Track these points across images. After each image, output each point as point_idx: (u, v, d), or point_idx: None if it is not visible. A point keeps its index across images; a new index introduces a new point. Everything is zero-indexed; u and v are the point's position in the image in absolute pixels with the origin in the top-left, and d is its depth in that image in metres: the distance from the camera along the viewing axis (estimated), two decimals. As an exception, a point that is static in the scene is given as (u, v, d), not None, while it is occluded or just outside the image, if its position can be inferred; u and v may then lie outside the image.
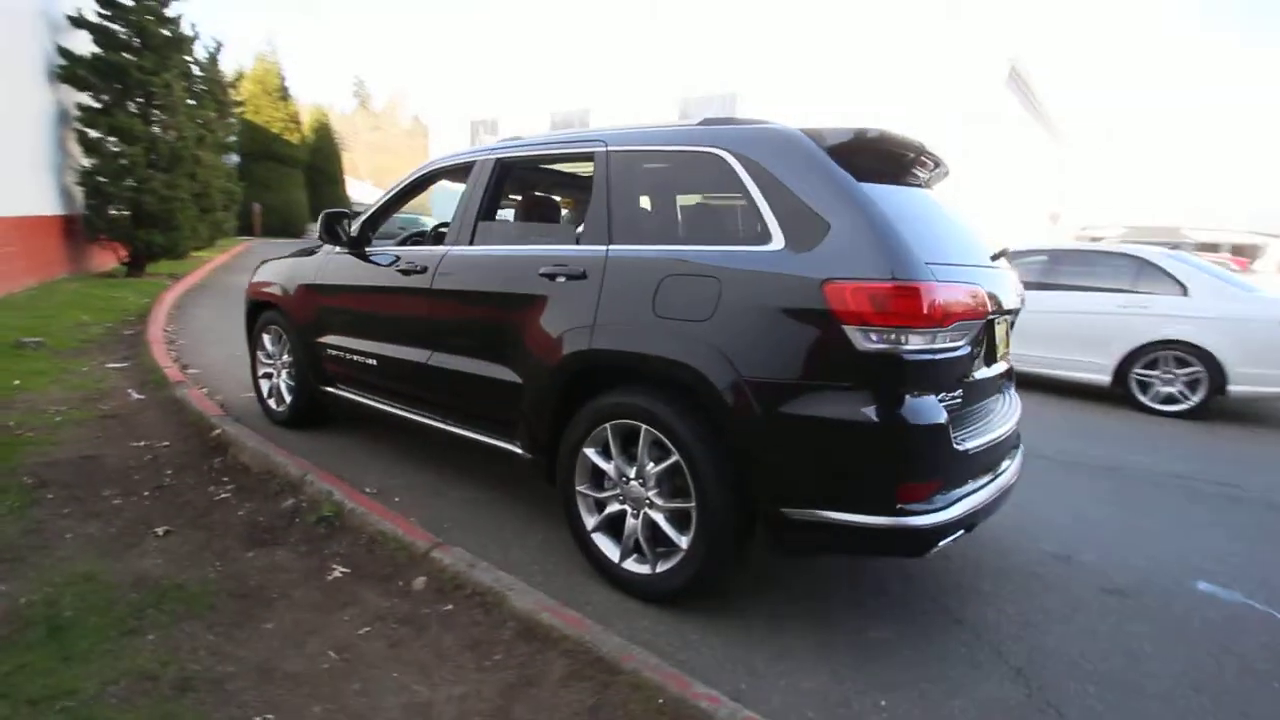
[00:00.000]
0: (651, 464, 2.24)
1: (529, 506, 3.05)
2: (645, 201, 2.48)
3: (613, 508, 2.38)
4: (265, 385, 4.20)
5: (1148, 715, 1.90)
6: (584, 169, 2.97)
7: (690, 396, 2.13)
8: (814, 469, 1.95)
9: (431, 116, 31.55)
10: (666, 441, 2.17)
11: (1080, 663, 2.12)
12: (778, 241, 2.02)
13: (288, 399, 3.99)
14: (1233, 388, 5.21)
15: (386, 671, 1.84)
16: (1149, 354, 5.50)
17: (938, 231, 2.21)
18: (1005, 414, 2.43)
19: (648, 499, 2.28)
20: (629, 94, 20.82)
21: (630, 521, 2.33)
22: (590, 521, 2.44)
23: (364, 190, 48.10)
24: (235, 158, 22.36)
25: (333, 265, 3.58)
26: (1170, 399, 5.49)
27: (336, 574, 2.35)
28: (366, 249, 3.46)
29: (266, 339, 4.13)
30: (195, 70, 12.96)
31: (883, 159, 2.28)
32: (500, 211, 3.35)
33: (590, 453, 2.40)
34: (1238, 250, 20.72)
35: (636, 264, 2.28)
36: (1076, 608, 2.46)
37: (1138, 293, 5.59)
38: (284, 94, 28.06)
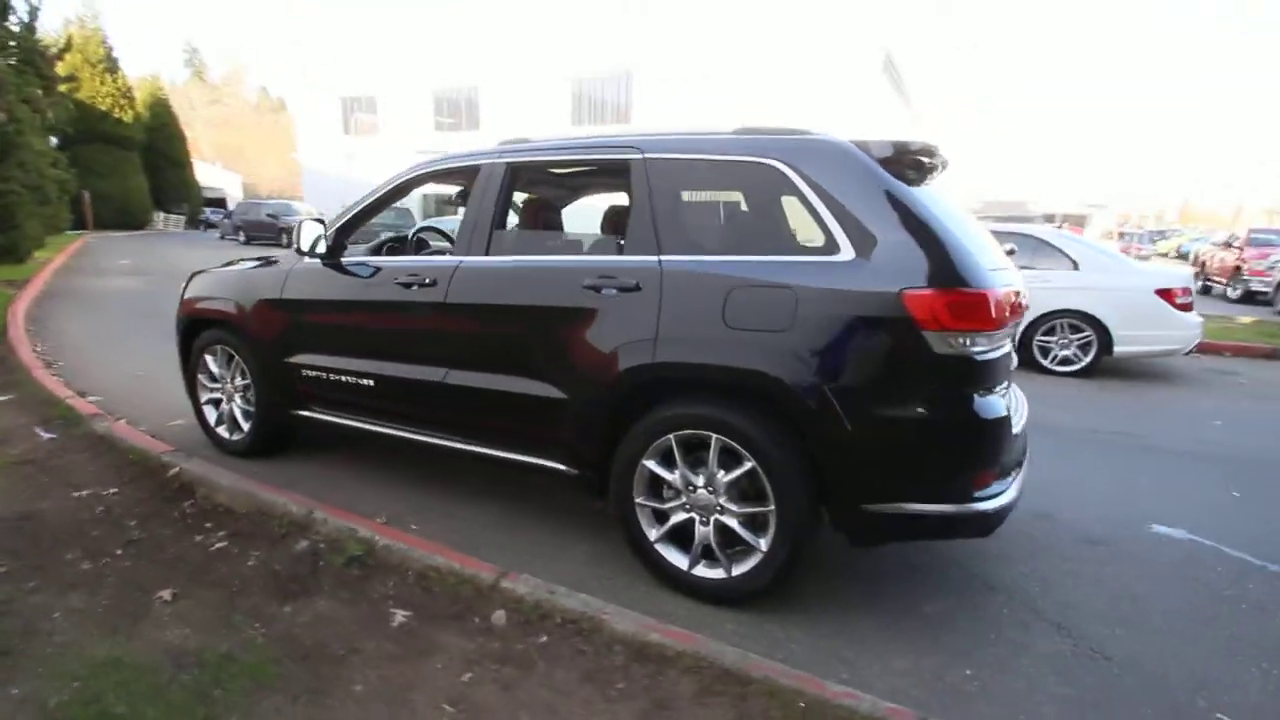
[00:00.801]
0: (722, 472, 2.28)
1: (554, 520, 2.99)
2: (691, 211, 2.48)
3: (678, 517, 2.40)
4: (211, 412, 3.77)
5: (1166, 646, 2.23)
6: (601, 174, 2.91)
7: (767, 405, 2.18)
8: (897, 466, 2.08)
9: (287, 91, 28.79)
10: (740, 449, 2.21)
11: (1100, 610, 2.43)
12: (847, 251, 2.11)
13: (245, 426, 3.61)
14: (1117, 348, 6.05)
15: (513, 717, 1.77)
16: (1048, 322, 6.24)
17: (970, 234, 2.39)
18: (1020, 401, 2.69)
19: (718, 505, 2.32)
20: (520, 72, 20.16)
21: (700, 529, 2.36)
22: (653, 533, 2.44)
23: (214, 174, 43.34)
24: (54, 140, 19.35)
25: (304, 278, 3.25)
26: (1066, 360, 6.27)
27: (399, 619, 2.20)
28: (343, 259, 3.18)
29: (210, 361, 3.69)
30: (10, 42, 11.05)
31: (914, 166, 2.42)
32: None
33: (650, 464, 2.40)
34: (1069, 220, 23.78)
35: (698, 275, 2.28)
36: (1073, 560, 2.80)
37: (1036, 269, 6.29)
38: (111, 65, 24.62)
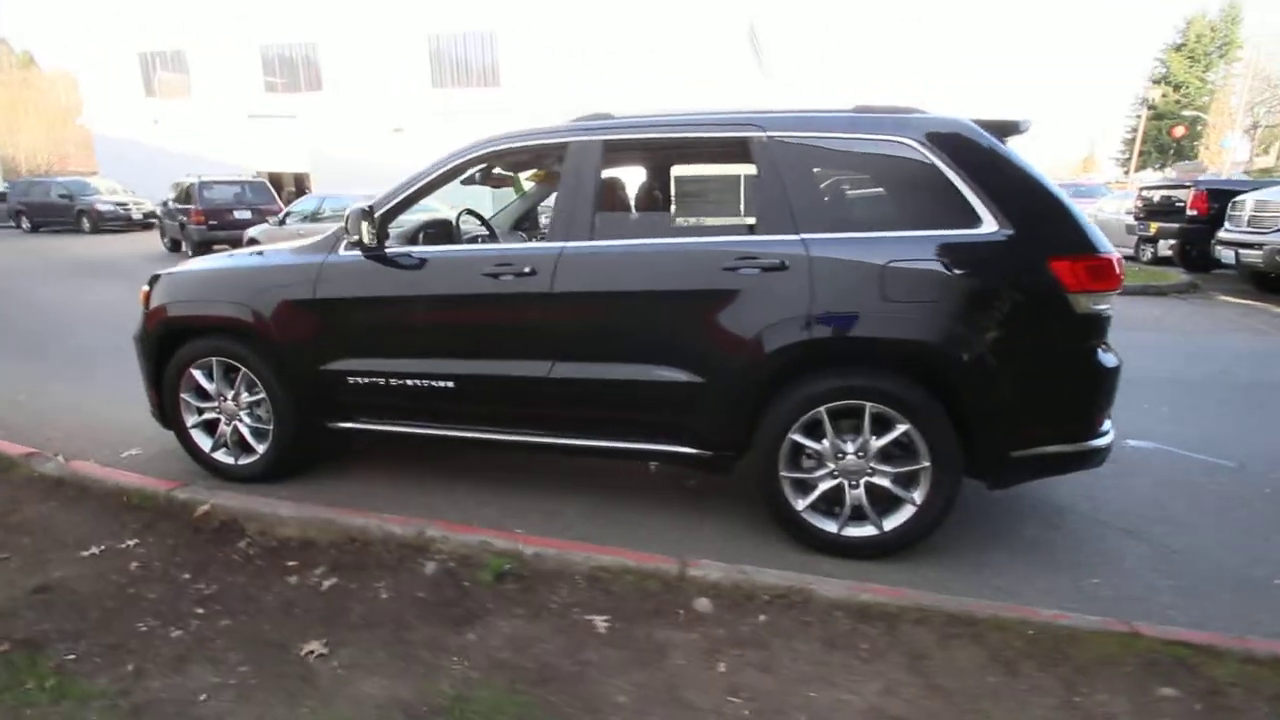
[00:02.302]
0: (874, 437, 2.43)
1: (651, 503, 3.00)
2: (825, 189, 2.54)
3: (825, 485, 2.52)
4: (203, 437, 3.24)
5: (1207, 535, 2.75)
6: (711, 152, 2.82)
7: (923, 372, 2.35)
8: (1042, 416, 2.36)
9: (53, 43, 23.93)
10: (894, 414, 2.37)
11: (1144, 514, 2.93)
12: (990, 224, 2.30)
13: (259, 447, 3.16)
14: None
15: (799, 695, 1.81)
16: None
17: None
18: None
19: (868, 468, 2.47)
20: (368, 26, 18.32)
21: (852, 492, 2.50)
22: (800, 502, 2.55)
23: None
24: None
25: (344, 274, 2.87)
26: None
27: (601, 625, 2.11)
28: (388, 250, 2.86)
29: (199, 375, 3.15)
30: None
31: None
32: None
33: (797, 437, 2.48)
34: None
35: (849, 253, 2.37)
36: (1097, 477, 3.32)
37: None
38: None
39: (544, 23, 17.48)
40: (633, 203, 3.08)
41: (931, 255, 2.31)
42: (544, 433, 2.78)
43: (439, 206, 4.66)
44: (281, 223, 10.63)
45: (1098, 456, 2.46)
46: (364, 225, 2.71)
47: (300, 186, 19.55)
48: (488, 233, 3.67)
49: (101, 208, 18.73)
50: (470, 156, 2.83)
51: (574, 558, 2.38)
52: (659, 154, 3.39)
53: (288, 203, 13.36)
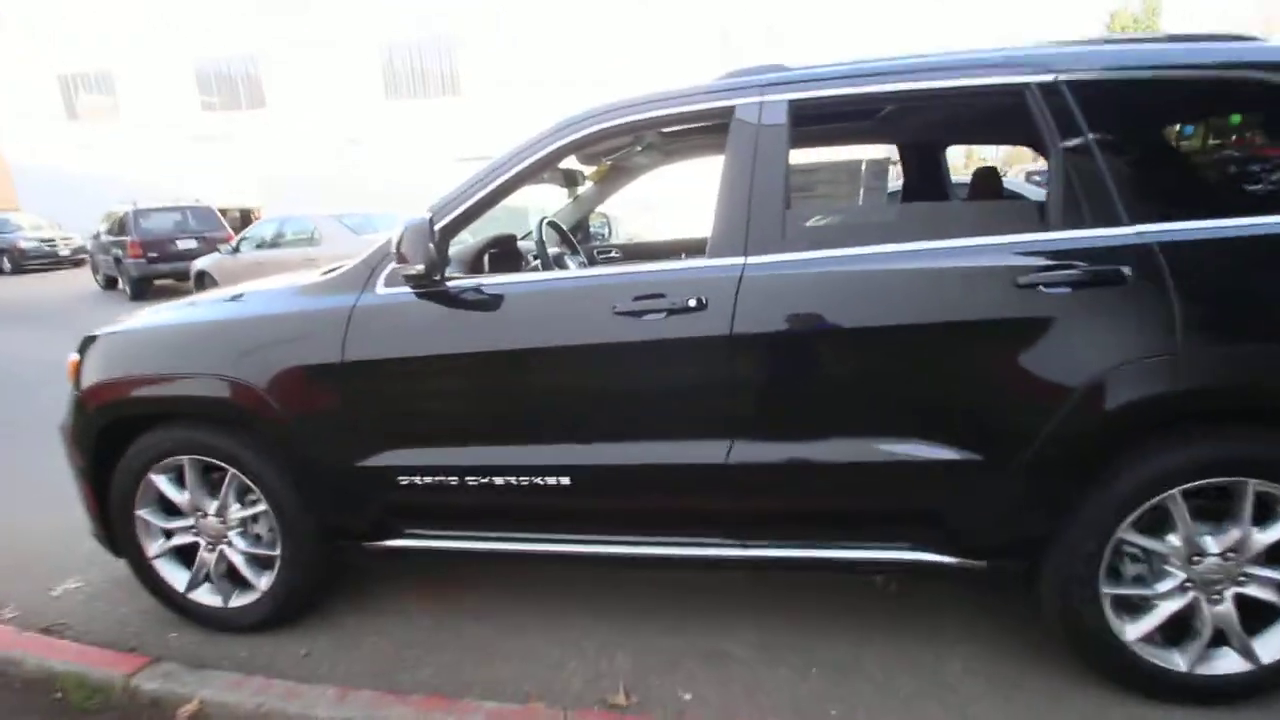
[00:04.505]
0: (1258, 529, 1.58)
1: (853, 629, 2.09)
2: (1162, 155, 1.68)
3: (1170, 603, 1.66)
4: (174, 569, 2.22)
5: None
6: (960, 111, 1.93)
7: None
8: None
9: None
10: None
11: None
12: None
13: (260, 581, 2.15)
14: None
15: None
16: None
17: None
18: None
19: (1240, 574, 1.62)
20: (314, 39, 17.00)
21: (1212, 609, 1.64)
22: (1130, 630, 1.68)
23: None
24: None
25: (388, 323, 1.90)
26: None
27: None
28: (451, 284, 1.89)
29: (164, 483, 2.13)
30: None
31: None
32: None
33: (1129, 535, 1.62)
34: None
35: (1231, 252, 1.52)
36: None
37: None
38: None
39: (507, 28, 16.48)
40: (844, 192, 2.18)
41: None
42: (711, 541, 1.85)
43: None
44: (235, 251, 9.35)
45: None
46: (428, 246, 1.73)
47: (246, 219, 17.88)
48: (570, 250, 2.72)
49: (24, 245, 16.82)
50: (570, 139, 1.87)
51: None
52: (877, 120, 2.44)
53: (238, 230, 12.02)
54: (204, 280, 9.19)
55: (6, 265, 16.55)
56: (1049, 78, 1.63)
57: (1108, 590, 1.66)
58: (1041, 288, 1.56)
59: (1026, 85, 1.64)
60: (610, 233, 4.03)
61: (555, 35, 16.29)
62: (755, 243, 1.71)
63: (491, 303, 1.86)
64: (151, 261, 11.16)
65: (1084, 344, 1.55)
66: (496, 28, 16.58)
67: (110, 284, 12.54)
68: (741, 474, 1.76)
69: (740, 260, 1.71)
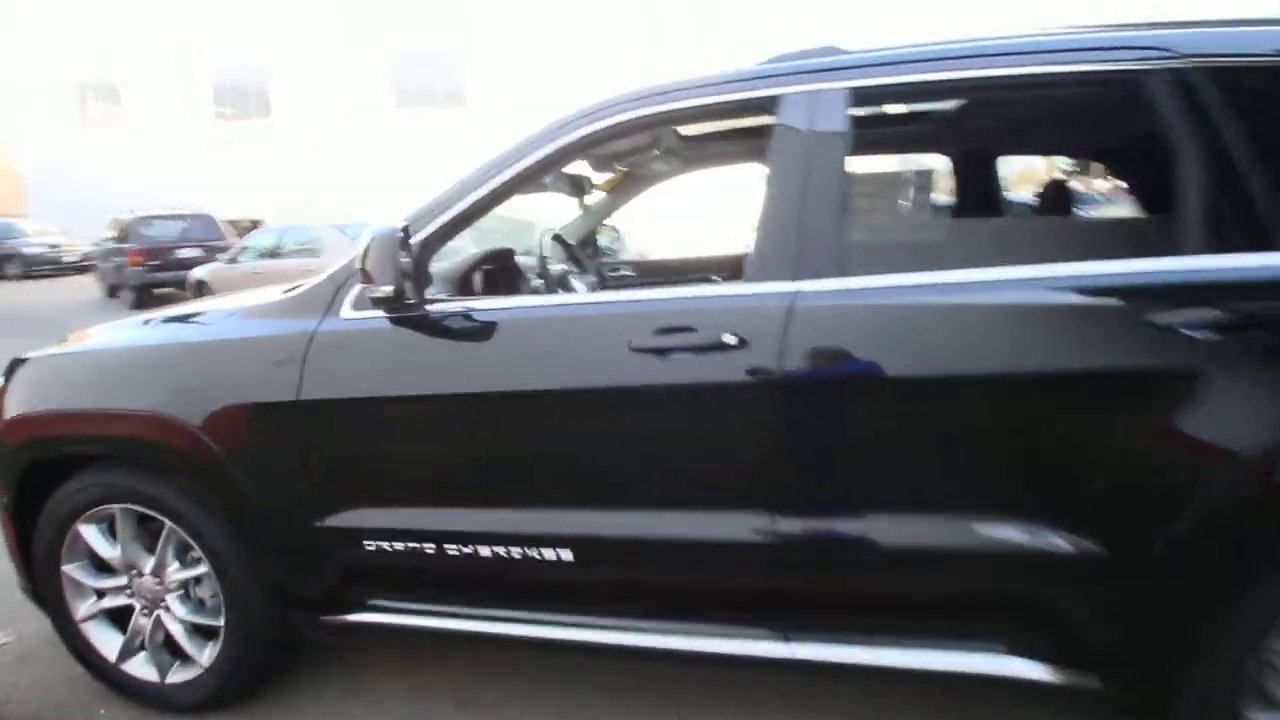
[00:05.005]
0: None
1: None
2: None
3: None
4: (105, 634, 1.89)
5: None
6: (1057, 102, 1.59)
7: None
8: None
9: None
10: None
11: None
12: None
13: (202, 655, 1.81)
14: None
15: None
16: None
17: None
18: None
19: None
20: (323, 50, 16.93)
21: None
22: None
23: None
24: None
25: (356, 352, 1.57)
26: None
27: None
28: (432, 309, 1.56)
29: (93, 535, 1.80)
30: None
31: None
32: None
33: (1285, 645, 1.26)
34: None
35: None
36: None
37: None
38: None
39: (515, 40, 16.34)
40: (885, 205, 1.84)
41: None
42: (747, 633, 1.49)
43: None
44: (234, 261, 9.11)
45: None
46: (399, 261, 1.40)
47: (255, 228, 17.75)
48: (578, 269, 2.38)
49: (29, 251, 16.80)
50: (580, 134, 1.54)
51: None
52: (954, 115, 2.03)
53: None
54: (202, 289, 8.94)
55: (11, 271, 16.47)
56: (1173, 62, 1.29)
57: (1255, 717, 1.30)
58: (1186, 330, 1.21)
59: (1149, 71, 1.30)
60: (621, 248, 3.68)
61: (564, 49, 16.15)
62: (809, 264, 1.37)
63: (482, 331, 1.53)
64: (152, 269, 10.97)
65: (1245, 400, 1.20)
66: (504, 40, 16.45)
67: (112, 292, 12.37)
68: (788, 554, 1.41)
69: (790, 286, 1.36)
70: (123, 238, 11.47)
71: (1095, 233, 1.69)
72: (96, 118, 19.62)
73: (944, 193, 2.22)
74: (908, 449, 1.36)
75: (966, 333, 1.30)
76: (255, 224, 17.99)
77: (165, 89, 18.95)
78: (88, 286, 14.32)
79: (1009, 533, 1.31)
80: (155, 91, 19.07)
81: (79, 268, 16.62)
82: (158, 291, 11.12)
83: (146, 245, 11.06)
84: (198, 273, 9.50)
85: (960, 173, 2.23)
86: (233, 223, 13.26)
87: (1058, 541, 1.29)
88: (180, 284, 10.51)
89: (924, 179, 2.71)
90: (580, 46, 16.10)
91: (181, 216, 12.05)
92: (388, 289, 1.40)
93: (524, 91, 16.19)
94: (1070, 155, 2.24)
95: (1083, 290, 1.27)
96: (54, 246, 17.08)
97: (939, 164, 2.21)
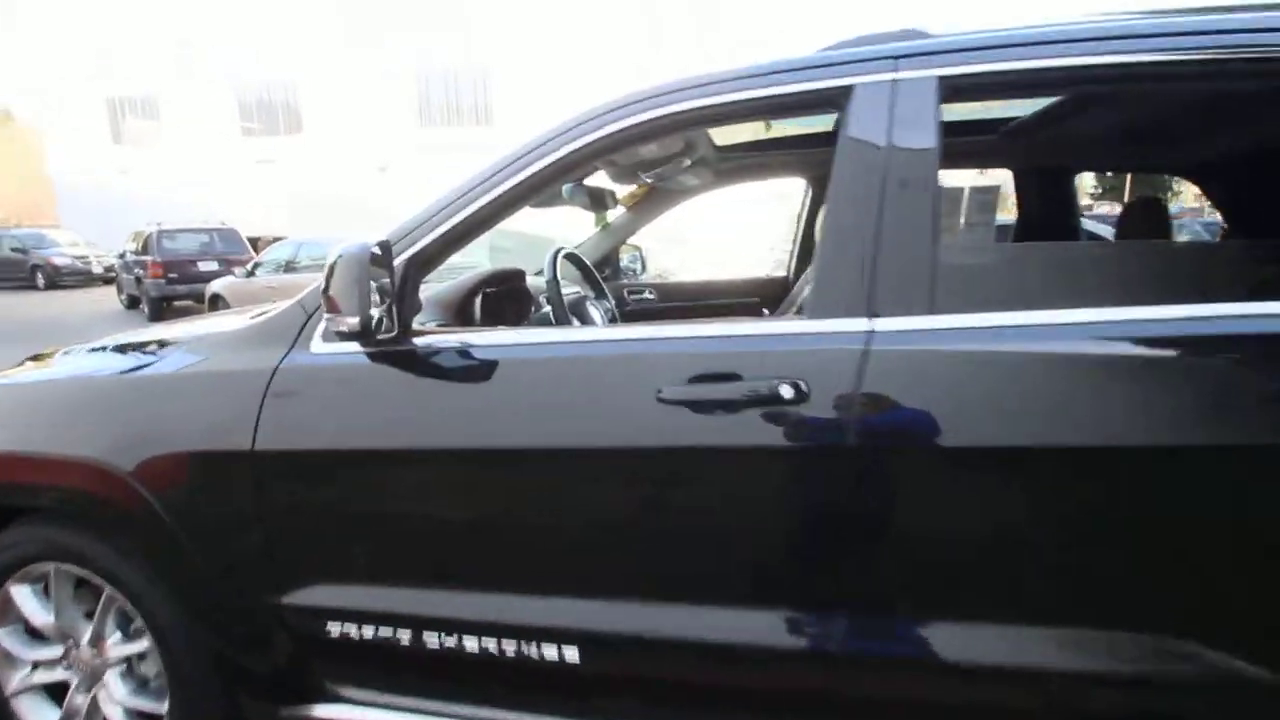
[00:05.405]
0: None
1: None
2: None
3: None
4: (38, 711, 1.62)
5: None
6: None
7: None
8: None
9: (28, 96, 22.77)
10: None
11: None
12: None
13: (144, 742, 1.52)
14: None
15: None
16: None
17: None
18: None
19: None
20: (352, 68, 17.10)
21: None
22: None
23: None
24: None
25: (323, 394, 1.29)
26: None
27: None
28: (420, 342, 1.28)
29: (24, 597, 1.54)
30: None
31: None
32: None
33: None
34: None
35: None
36: None
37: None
38: None
39: (541, 59, 16.34)
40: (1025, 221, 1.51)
41: None
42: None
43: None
44: (250, 274, 9.00)
45: None
46: (368, 286, 1.13)
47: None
48: (595, 293, 2.09)
49: (58, 261, 17.01)
50: (601, 134, 1.25)
51: None
52: (1085, 113, 1.66)
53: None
54: (217, 303, 8.85)
55: (41, 280, 16.70)
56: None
57: None
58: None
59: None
60: (642, 268, 3.39)
61: (588, 67, 16.10)
62: (887, 298, 1.07)
63: (476, 371, 1.24)
64: (170, 282, 10.98)
65: None
66: (530, 59, 16.46)
67: (133, 303, 12.41)
68: (856, 669, 1.09)
69: (863, 325, 1.06)
70: (144, 250, 11.50)
71: (1258, 258, 1.36)
72: (128, 131, 20.01)
73: (968, 216, 1.86)
74: (1026, 541, 1.04)
75: (1113, 391, 0.99)
76: (278, 239, 18.18)
77: (198, 104, 19.28)
78: (112, 298, 14.43)
79: (1182, 655, 0.98)
80: (187, 106, 19.41)
81: (106, 279, 16.82)
82: (177, 304, 11.12)
83: (167, 258, 11.07)
84: (214, 286, 9.43)
85: (1122, 190, 1.89)
86: (254, 240, 13.28)
87: (1245, 663, 0.96)
88: (198, 297, 10.47)
89: (953, 202, 2.35)
90: (602, 68, 16.05)
91: (205, 230, 12.08)
92: (352, 320, 1.12)
93: (549, 112, 16.20)
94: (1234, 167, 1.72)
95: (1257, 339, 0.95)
96: (82, 258, 17.31)
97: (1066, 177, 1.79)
